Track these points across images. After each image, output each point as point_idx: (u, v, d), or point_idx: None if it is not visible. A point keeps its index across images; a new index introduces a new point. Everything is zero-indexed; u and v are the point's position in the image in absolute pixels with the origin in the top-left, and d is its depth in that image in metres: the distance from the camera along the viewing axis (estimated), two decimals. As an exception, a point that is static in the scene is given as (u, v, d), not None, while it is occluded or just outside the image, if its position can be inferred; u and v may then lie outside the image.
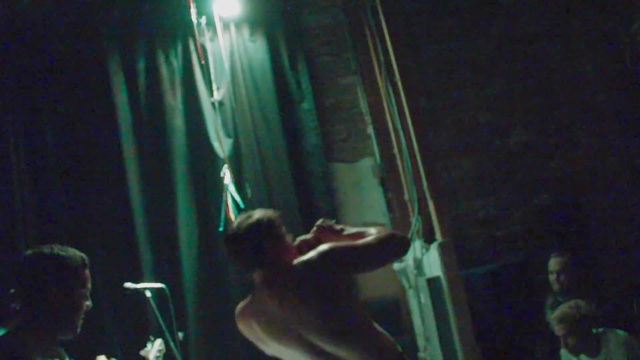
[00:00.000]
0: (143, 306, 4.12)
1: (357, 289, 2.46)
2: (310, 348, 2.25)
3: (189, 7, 4.62)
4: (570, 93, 5.44)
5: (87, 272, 2.19)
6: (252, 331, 2.39)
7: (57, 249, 2.15)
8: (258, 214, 2.37)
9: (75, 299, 2.13)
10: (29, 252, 2.19)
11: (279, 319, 2.27)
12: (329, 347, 2.24)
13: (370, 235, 2.38)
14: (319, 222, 2.56)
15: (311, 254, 2.27)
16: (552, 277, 4.24)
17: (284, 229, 2.40)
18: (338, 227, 2.55)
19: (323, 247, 2.28)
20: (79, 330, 2.18)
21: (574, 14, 5.74)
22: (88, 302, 2.18)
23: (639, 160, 5.41)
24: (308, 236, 2.50)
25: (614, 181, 5.21)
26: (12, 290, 2.75)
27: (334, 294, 2.22)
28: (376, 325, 2.37)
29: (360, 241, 2.34)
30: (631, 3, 5.87)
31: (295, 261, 2.29)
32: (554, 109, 5.39)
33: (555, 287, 4.21)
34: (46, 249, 2.14)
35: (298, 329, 2.24)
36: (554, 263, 4.25)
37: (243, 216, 2.39)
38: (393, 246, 2.38)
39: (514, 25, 5.56)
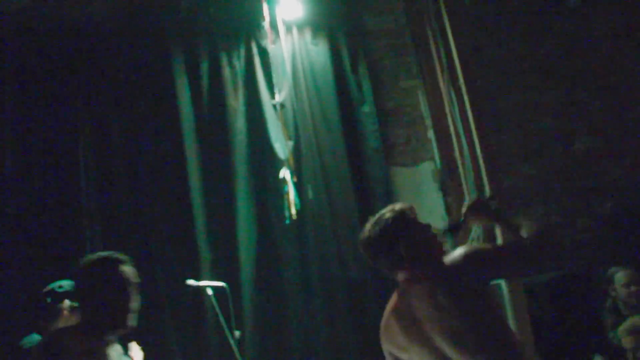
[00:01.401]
0: (201, 304, 4.23)
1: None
2: (435, 353, 2.12)
3: (253, 10, 4.73)
4: (638, 98, 5.26)
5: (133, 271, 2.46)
6: (392, 336, 2.27)
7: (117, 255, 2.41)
8: (388, 212, 2.27)
9: (127, 299, 2.38)
10: (91, 257, 2.44)
11: (419, 318, 2.15)
12: (455, 356, 2.08)
13: (523, 231, 2.24)
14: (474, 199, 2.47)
15: (457, 255, 2.17)
16: (624, 291, 4.05)
17: (420, 221, 2.30)
18: (492, 206, 2.44)
19: (470, 249, 2.18)
20: (129, 328, 2.40)
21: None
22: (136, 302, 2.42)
23: None
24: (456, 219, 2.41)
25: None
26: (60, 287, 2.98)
27: (478, 302, 2.09)
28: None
29: (511, 244, 2.25)
30: None
31: (445, 259, 2.19)
32: (621, 113, 5.22)
33: (631, 301, 4.02)
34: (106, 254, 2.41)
35: (431, 330, 2.11)
36: (622, 276, 4.08)
37: (374, 218, 2.30)
38: (545, 249, 2.22)
39: (582, 29, 5.42)
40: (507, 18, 5.37)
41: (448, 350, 2.07)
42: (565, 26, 5.42)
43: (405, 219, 2.25)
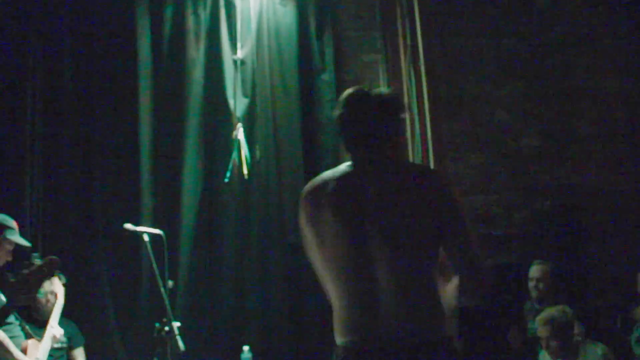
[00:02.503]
0: (137, 250, 4.22)
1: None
2: (365, 237, 1.90)
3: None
4: (589, 106, 5.44)
5: None
6: (315, 200, 1.99)
7: None
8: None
9: None
10: None
11: (360, 196, 1.94)
12: (382, 250, 1.89)
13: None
14: None
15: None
16: (531, 284, 4.26)
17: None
18: None
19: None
20: None
21: (606, 29, 5.71)
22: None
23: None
24: None
25: (618, 199, 5.22)
26: None
27: (432, 223, 1.90)
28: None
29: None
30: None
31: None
32: (571, 118, 5.39)
33: (533, 294, 4.24)
34: None
35: (369, 211, 1.91)
36: (534, 270, 4.28)
37: (375, 89, 2.07)
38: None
39: (545, 29, 5.53)
40: (476, 9, 5.43)
41: (374, 238, 1.91)
42: (532, 25, 5.52)
43: (401, 104, 2.10)
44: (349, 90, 2.06)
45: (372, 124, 2.01)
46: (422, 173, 2.08)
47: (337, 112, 2.06)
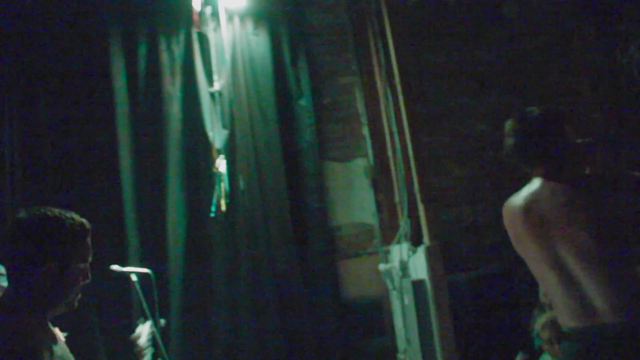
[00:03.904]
0: (127, 290, 4.15)
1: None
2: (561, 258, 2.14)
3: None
4: (566, 110, 5.49)
5: (88, 241, 1.85)
6: (527, 220, 2.22)
7: (57, 211, 1.79)
8: (544, 108, 2.24)
9: (73, 273, 1.78)
10: (22, 213, 1.78)
11: (546, 214, 2.16)
12: (579, 267, 2.10)
13: None
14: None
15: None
16: (541, 292, 4.21)
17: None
18: None
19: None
20: (75, 307, 1.86)
21: (574, 33, 5.82)
22: (87, 279, 1.84)
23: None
24: None
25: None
26: None
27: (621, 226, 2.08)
28: None
29: None
30: (628, 26, 5.99)
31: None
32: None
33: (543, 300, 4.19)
34: (43, 210, 1.78)
35: (555, 227, 2.13)
36: None
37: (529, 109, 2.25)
38: None
39: (516, 39, 5.62)
40: (447, 24, 5.51)
41: (566, 252, 2.12)
42: (502, 36, 5.61)
43: (562, 117, 2.26)
44: (510, 121, 2.29)
45: (546, 140, 2.20)
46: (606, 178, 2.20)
47: (510, 142, 2.28)
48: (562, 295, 2.18)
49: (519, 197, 2.30)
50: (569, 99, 5.57)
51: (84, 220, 1.85)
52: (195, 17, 4.65)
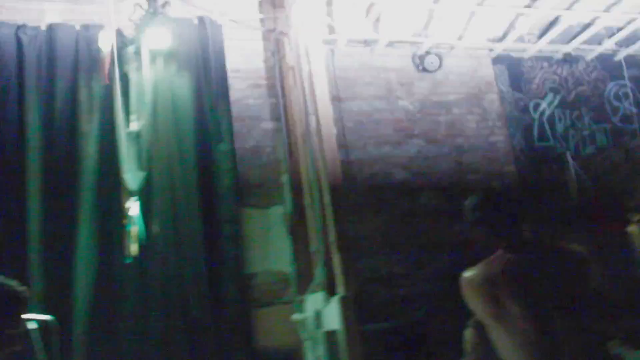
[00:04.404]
0: (27, 338, 3.94)
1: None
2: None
3: (118, 33, 4.62)
4: (480, 161, 5.71)
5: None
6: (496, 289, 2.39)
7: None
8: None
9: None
10: None
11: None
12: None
13: None
14: None
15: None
16: None
17: None
18: None
19: None
20: None
21: (491, 87, 6.09)
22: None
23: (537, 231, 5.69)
24: None
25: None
26: None
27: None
28: None
29: None
30: (540, 86, 6.34)
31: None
32: (464, 174, 5.63)
33: None
34: None
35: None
36: None
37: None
38: None
39: (435, 90, 5.83)
40: (371, 73, 5.64)
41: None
42: (423, 87, 5.80)
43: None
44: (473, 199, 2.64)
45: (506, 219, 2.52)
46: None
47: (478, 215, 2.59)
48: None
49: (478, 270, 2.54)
50: (485, 151, 5.78)
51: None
52: (104, 67, 4.55)
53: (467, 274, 2.56)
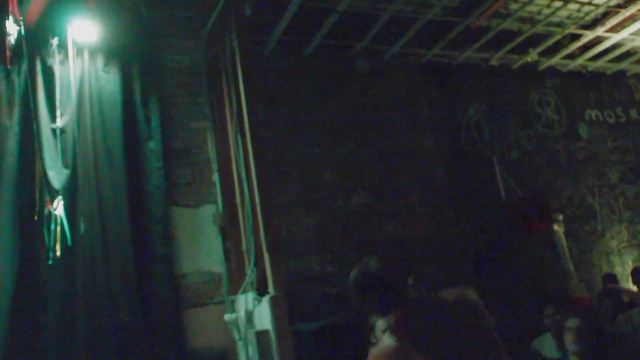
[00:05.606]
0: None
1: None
2: None
3: (42, 25, 4.43)
4: (410, 163, 5.83)
5: None
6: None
7: None
8: (375, 262, 2.40)
9: None
10: None
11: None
12: None
13: None
14: None
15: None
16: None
17: None
18: None
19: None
20: None
21: (421, 92, 6.22)
22: None
23: (466, 231, 5.87)
24: None
25: (445, 248, 5.59)
26: None
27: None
28: None
29: None
30: (468, 92, 6.56)
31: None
32: (395, 175, 5.72)
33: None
34: None
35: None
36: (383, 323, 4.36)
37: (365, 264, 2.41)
38: None
39: (366, 94, 5.90)
40: (302, 74, 5.66)
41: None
42: (354, 91, 5.86)
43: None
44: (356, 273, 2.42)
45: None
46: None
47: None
48: None
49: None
50: (415, 154, 5.91)
51: None
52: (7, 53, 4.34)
53: (376, 349, 2.46)
